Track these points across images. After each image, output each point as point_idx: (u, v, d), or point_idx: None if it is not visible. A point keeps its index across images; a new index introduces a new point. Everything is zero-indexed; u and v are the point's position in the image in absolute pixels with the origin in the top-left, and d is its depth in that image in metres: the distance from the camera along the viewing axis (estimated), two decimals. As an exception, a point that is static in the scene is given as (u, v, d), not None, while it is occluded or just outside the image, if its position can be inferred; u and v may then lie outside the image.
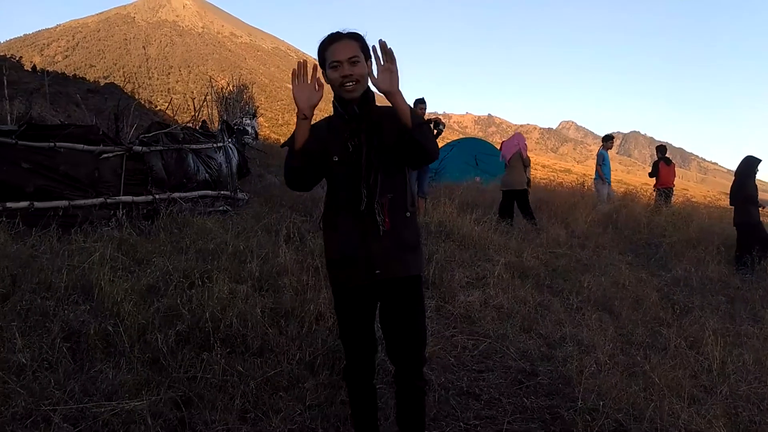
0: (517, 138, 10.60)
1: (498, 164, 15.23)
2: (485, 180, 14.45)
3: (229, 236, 6.13)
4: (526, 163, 10.26)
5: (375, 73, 2.22)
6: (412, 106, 9.92)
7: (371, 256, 2.31)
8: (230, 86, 14.62)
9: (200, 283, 4.39)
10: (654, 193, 13.05)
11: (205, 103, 9.67)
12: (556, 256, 7.89)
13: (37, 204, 5.43)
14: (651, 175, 12.92)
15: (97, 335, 3.32)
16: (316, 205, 8.90)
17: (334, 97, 2.41)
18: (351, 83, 2.28)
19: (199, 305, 3.84)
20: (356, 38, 2.34)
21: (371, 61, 2.32)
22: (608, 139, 12.40)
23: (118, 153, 6.13)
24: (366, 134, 2.32)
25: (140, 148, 6.33)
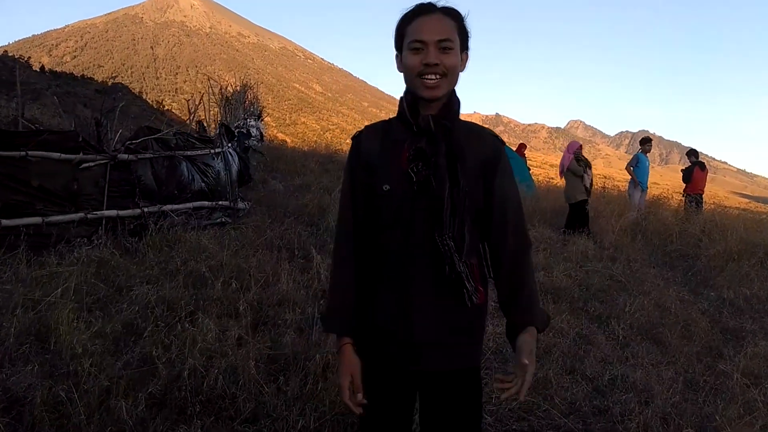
0: (568, 147, 10.09)
1: (515, 167, 14.51)
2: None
3: (225, 255, 5.44)
4: (575, 173, 9.61)
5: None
6: None
7: (414, 338, 1.65)
8: (230, 86, 13.91)
9: (186, 320, 3.68)
10: (683, 199, 12.27)
11: (201, 103, 8.96)
12: (587, 273, 7.16)
13: (4, 221, 4.73)
14: (684, 180, 12.12)
15: (46, 405, 2.59)
16: (323, 214, 8.21)
17: (404, 94, 1.71)
18: (434, 76, 1.60)
19: (180, 355, 3.12)
20: (454, 16, 1.66)
21: (468, 54, 1.69)
22: (645, 142, 11.57)
23: (101, 162, 5.43)
24: (445, 160, 1.61)
25: (126, 156, 5.63)
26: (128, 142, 5.73)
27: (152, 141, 5.99)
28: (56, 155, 5.12)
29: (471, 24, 1.69)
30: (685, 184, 12.22)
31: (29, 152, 4.91)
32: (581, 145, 9.99)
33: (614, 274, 7.31)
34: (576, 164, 9.59)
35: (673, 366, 4.77)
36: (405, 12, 1.67)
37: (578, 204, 9.59)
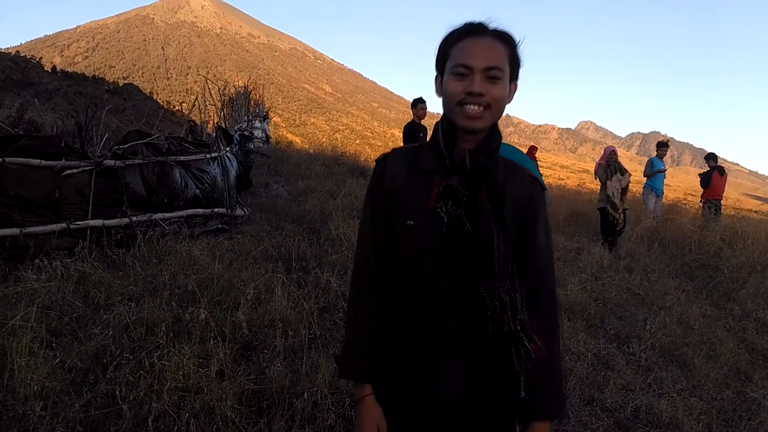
0: (603, 152, 9.76)
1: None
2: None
3: (217, 267, 5.09)
4: (601, 179, 9.27)
5: None
6: (412, 106, 8.75)
7: (440, 398, 1.44)
8: (233, 86, 13.57)
9: (165, 346, 3.33)
10: (701, 205, 11.81)
11: (196, 106, 8.62)
12: (603, 285, 6.75)
13: (-25, 233, 4.41)
14: (703, 185, 11.65)
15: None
16: (325, 221, 7.84)
17: (441, 120, 1.52)
18: (477, 107, 1.41)
19: (148, 394, 2.76)
20: (506, 41, 1.46)
21: (517, 85, 1.51)
22: (661, 147, 11.10)
23: (86, 168, 5.09)
24: (488, 204, 1.41)
25: (113, 162, 5.28)
26: (115, 147, 5.38)
27: (142, 146, 5.64)
28: (36, 162, 4.78)
29: (523, 50, 1.49)
30: (703, 189, 11.76)
31: (6, 159, 4.58)
32: (615, 150, 9.56)
33: (632, 287, 6.91)
34: (601, 171, 9.21)
35: (700, 392, 4.40)
36: (451, 30, 1.47)
37: (601, 211, 9.20)
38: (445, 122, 1.49)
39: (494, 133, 1.50)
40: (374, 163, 1.61)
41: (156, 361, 2.98)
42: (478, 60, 1.40)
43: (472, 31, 1.44)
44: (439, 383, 1.43)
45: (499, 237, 1.39)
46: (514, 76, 1.48)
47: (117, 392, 2.72)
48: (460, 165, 1.42)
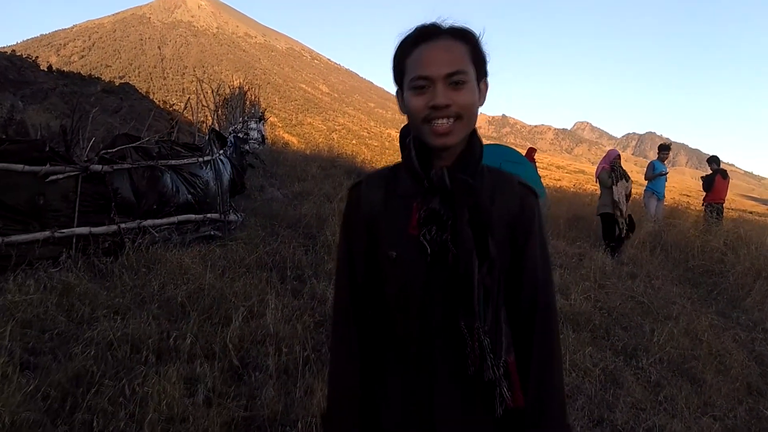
0: (606, 155, 9.58)
1: (526, 173, 13.91)
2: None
3: (208, 277, 4.89)
4: (603, 184, 9.08)
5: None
6: None
7: None
8: (228, 87, 13.33)
9: (150, 365, 3.12)
10: (703, 209, 11.65)
11: (188, 107, 8.40)
12: (607, 293, 6.58)
13: (-45, 244, 4.20)
14: (705, 189, 11.49)
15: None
16: (322, 226, 7.64)
17: (411, 139, 1.35)
18: (445, 120, 1.24)
19: (129, 424, 2.55)
20: (465, 38, 1.28)
21: (487, 82, 1.34)
22: (662, 149, 10.94)
23: (71, 174, 4.87)
24: (470, 229, 1.24)
25: (100, 167, 5.06)
26: (103, 152, 5.17)
27: (131, 150, 5.43)
28: (19, 167, 4.57)
29: (487, 41, 1.32)
30: (705, 193, 11.60)
31: (-14, 164, 4.37)
32: (619, 155, 9.36)
33: (636, 295, 6.73)
34: (605, 175, 9.00)
35: (712, 409, 4.23)
36: (402, 39, 1.30)
37: (604, 216, 8.98)
38: (417, 141, 1.32)
39: (473, 142, 1.33)
40: (347, 192, 1.44)
41: (137, 389, 2.77)
42: (436, 68, 1.23)
43: (425, 35, 1.27)
44: (434, 430, 1.29)
45: (482, 268, 1.23)
46: (481, 75, 1.32)
47: (94, 423, 2.51)
48: (439, 185, 1.26)
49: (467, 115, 1.26)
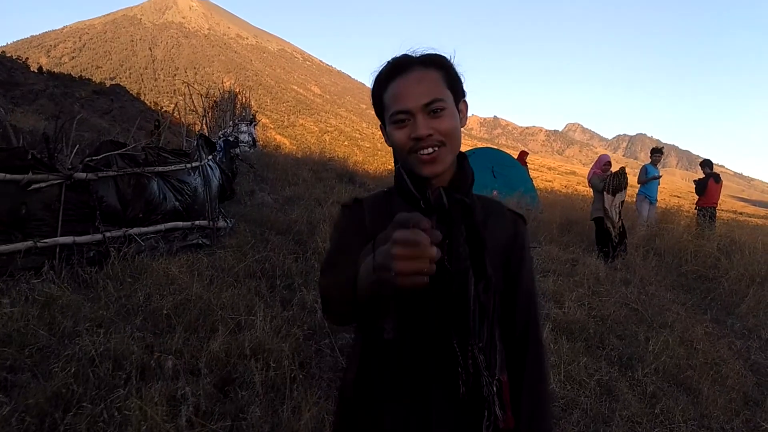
0: (597, 160, 9.61)
1: (518, 177, 13.84)
2: (504, 194, 12.99)
3: (195, 287, 4.78)
4: (595, 188, 9.03)
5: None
6: None
7: None
8: (218, 90, 13.18)
9: (133, 382, 3.01)
10: (695, 213, 11.61)
11: (176, 111, 8.26)
12: (601, 300, 6.51)
13: (-68, 255, 4.06)
14: (698, 193, 11.46)
15: None
16: (312, 232, 7.53)
17: (400, 168, 1.37)
18: (431, 149, 1.27)
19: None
20: (437, 64, 1.31)
21: (466, 102, 1.37)
22: (655, 153, 10.90)
23: (55, 182, 4.75)
24: (467, 247, 1.26)
25: (84, 174, 4.94)
26: (87, 159, 5.04)
27: (116, 157, 5.30)
28: (0, 176, 4.44)
29: (461, 57, 1.35)
30: (698, 197, 11.57)
31: (-35, 173, 4.24)
32: (610, 162, 9.34)
33: (630, 302, 6.67)
34: (597, 179, 8.98)
35: (709, 422, 4.16)
36: (377, 75, 1.34)
37: (597, 221, 8.95)
38: (406, 168, 1.34)
39: (464, 167, 1.36)
40: (342, 208, 1.43)
41: (116, 413, 2.65)
42: (413, 100, 1.26)
43: (398, 68, 1.30)
44: None
45: (478, 286, 1.24)
46: (459, 97, 1.35)
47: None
48: (436, 204, 1.29)
49: (451, 139, 1.28)
